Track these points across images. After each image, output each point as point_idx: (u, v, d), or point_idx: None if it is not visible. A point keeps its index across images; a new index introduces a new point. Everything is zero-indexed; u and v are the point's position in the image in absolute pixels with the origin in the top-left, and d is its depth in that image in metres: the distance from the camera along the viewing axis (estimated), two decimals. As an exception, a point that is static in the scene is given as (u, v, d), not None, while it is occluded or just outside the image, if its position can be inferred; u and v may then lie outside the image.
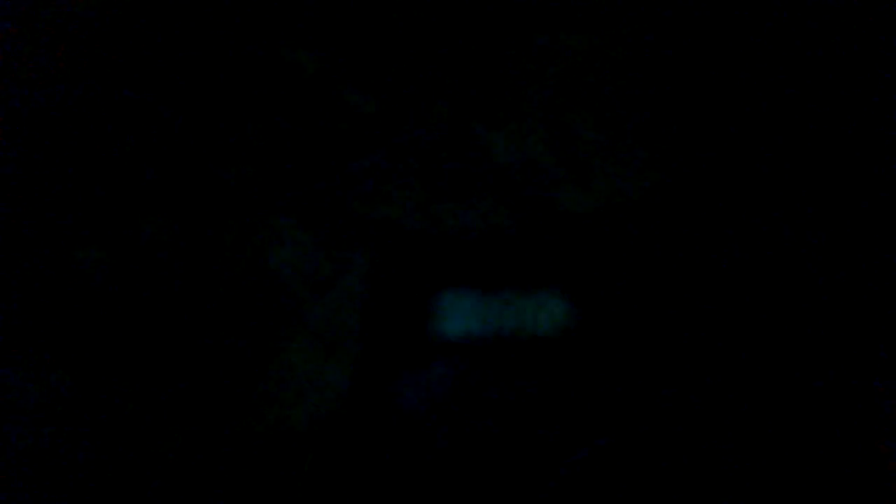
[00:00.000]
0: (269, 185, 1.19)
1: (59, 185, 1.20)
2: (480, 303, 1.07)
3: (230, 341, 1.14)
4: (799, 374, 1.08)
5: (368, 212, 1.14)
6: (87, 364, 1.14)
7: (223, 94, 1.21)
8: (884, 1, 1.16)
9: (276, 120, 1.17)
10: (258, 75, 1.18)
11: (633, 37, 1.18)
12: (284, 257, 1.16)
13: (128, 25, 1.21)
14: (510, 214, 1.10)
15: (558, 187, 1.10)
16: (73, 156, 1.23)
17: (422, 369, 1.07)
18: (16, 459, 1.09)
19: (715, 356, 1.04)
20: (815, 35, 1.18)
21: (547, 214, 1.09)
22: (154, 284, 1.19)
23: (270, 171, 1.19)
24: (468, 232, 1.08)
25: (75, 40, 1.24)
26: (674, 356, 1.04)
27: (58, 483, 1.09)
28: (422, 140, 1.16)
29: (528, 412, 1.04)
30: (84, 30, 1.23)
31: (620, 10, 1.20)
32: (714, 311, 1.07)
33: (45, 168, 1.23)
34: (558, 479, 1.01)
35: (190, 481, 1.10)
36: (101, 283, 1.15)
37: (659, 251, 1.07)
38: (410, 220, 1.14)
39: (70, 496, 1.09)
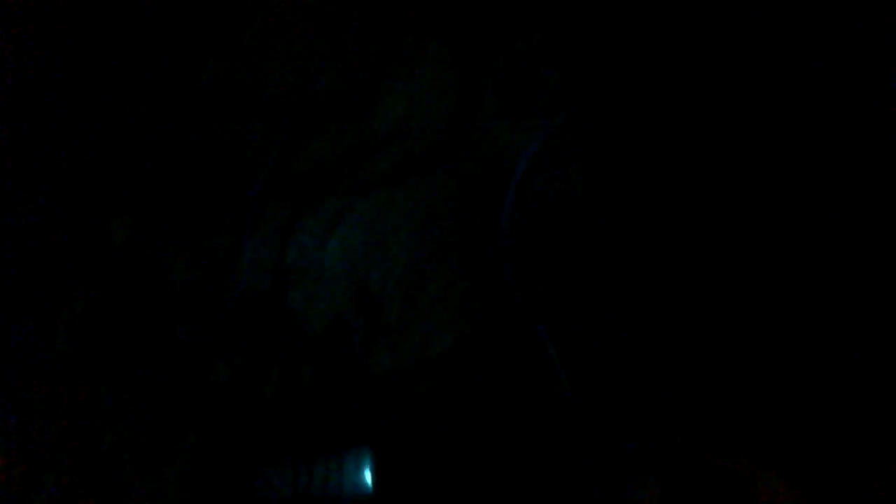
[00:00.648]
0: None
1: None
2: (292, 471, 1.13)
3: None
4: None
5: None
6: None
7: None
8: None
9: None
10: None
11: (426, 195, 1.26)
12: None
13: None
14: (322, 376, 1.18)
15: (368, 348, 1.19)
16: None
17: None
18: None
19: None
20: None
21: (357, 375, 1.15)
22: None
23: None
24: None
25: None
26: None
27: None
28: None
29: None
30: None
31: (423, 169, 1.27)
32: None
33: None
34: None
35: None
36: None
37: (465, 406, 1.11)
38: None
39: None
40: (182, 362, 1.22)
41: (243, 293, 1.27)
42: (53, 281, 1.26)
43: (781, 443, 1.04)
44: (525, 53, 1.33)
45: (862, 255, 1.11)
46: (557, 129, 1.27)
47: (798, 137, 1.19)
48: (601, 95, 1.25)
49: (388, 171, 1.35)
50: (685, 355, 1.11)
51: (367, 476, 1.10)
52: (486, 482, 1.08)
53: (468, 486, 1.08)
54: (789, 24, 1.22)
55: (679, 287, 1.16)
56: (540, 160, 1.29)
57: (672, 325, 1.13)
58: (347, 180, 1.36)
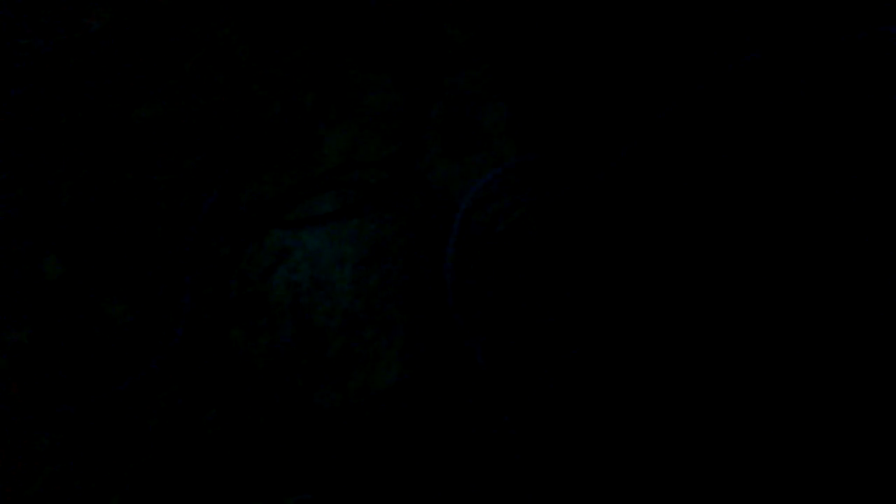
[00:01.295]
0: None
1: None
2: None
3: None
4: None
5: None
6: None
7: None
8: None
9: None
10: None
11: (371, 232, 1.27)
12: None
13: None
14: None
15: (312, 383, 1.19)
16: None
17: None
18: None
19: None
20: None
21: (300, 411, 1.15)
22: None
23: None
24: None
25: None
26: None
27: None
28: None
29: None
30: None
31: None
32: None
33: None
34: None
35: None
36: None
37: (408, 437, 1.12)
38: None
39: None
40: (118, 403, 1.19)
41: (184, 330, 1.24)
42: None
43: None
44: (469, 84, 1.31)
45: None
46: (505, 168, 1.25)
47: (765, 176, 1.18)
48: (547, 128, 1.23)
49: (333, 205, 1.34)
50: (632, 385, 1.10)
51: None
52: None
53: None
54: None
55: (627, 322, 1.14)
56: (485, 195, 1.28)
57: (620, 359, 1.12)
58: (293, 214, 1.34)
